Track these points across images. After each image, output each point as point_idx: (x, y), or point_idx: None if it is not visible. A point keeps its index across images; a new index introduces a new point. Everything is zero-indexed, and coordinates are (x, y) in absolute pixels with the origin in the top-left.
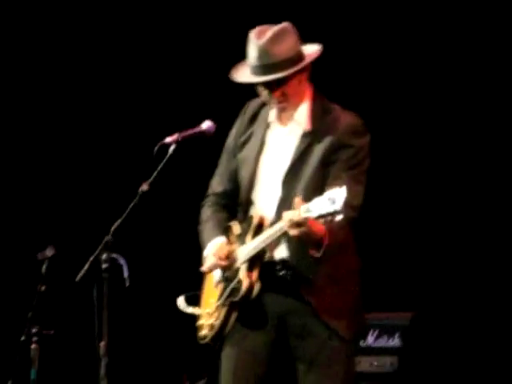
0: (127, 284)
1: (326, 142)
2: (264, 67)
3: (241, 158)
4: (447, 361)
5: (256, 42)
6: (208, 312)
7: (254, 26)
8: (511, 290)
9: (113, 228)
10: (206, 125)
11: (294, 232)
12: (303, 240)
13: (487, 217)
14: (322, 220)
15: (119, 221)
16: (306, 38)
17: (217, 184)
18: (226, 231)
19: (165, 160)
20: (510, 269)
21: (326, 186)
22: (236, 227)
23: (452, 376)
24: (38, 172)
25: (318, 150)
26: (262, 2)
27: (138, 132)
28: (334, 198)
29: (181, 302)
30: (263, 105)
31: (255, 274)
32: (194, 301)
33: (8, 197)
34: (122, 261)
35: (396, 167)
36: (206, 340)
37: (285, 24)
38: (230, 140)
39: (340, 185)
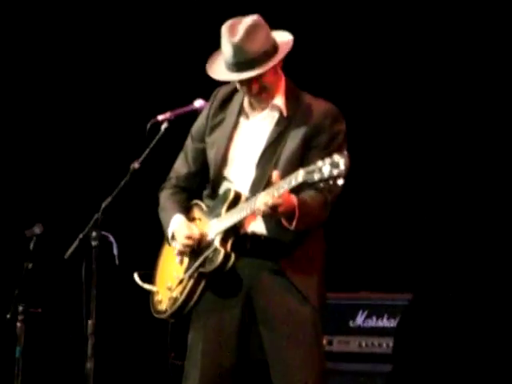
0: (117, 262)
1: (305, 126)
2: (240, 64)
3: (211, 140)
4: (436, 343)
5: (229, 39)
6: (169, 286)
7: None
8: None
9: (103, 205)
10: (199, 103)
11: (270, 212)
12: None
13: (478, 201)
14: (322, 184)
15: (109, 198)
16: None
17: (180, 166)
18: (188, 210)
19: (157, 138)
20: (498, 258)
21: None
22: (202, 205)
23: (440, 358)
24: (27, 149)
25: (297, 134)
26: None
27: (129, 109)
28: (338, 163)
29: (137, 278)
30: (235, 91)
31: (229, 246)
32: (147, 279)
33: None
34: (111, 239)
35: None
36: (165, 315)
37: (255, 17)
38: (199, 124)
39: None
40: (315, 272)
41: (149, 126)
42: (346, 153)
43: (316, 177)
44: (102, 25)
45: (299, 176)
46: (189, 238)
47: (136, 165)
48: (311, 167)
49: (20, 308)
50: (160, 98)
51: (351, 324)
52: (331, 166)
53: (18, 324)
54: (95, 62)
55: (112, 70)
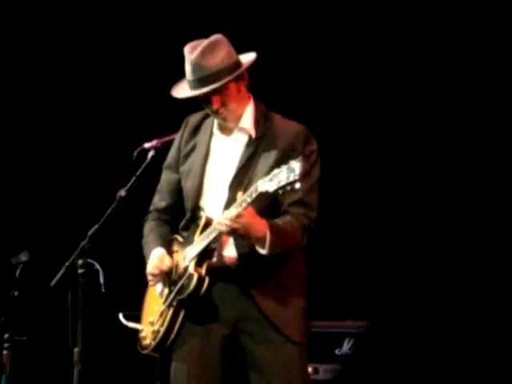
0: (103, 290)
1: (276, 148)
2: (199, 80)
3: (184, 169)
4: (402, 367)
5: (189, 56)
6: (151, 321)
7: None
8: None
9: (89, 233)
10: None
11: (234, 225)
12: (246, 236)
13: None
14: (281, 191)
15: (96, 226)
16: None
17: (159, 199)
18: (170, 243)
19: (143, 166)
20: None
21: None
22: (178, 237)
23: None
24: (13, 176)
25: (269, 156)
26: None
27: (116, 137)
28: (293, 168)
29: (121, 318)
30: (205, 117)
31: (204, 269)
32: (132, 319)
33: None
34: (98, 266)
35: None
36: (149, 350)
37: (216, 36)
38: (171, 156)
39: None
40: (294, 302)
41: (135, 153)
42: (300, 157)
43: (274, 184)
44: (90, 49)
45: (258, 186)
46: (156, 268)
47: (122, 192)
48: (268, 176)
49: (6, 336)
50: (146, 125)
51: (337, 352)
52: (288, 172)
53: (4, 352)
54: (83, 88)
55: (100, 98)
